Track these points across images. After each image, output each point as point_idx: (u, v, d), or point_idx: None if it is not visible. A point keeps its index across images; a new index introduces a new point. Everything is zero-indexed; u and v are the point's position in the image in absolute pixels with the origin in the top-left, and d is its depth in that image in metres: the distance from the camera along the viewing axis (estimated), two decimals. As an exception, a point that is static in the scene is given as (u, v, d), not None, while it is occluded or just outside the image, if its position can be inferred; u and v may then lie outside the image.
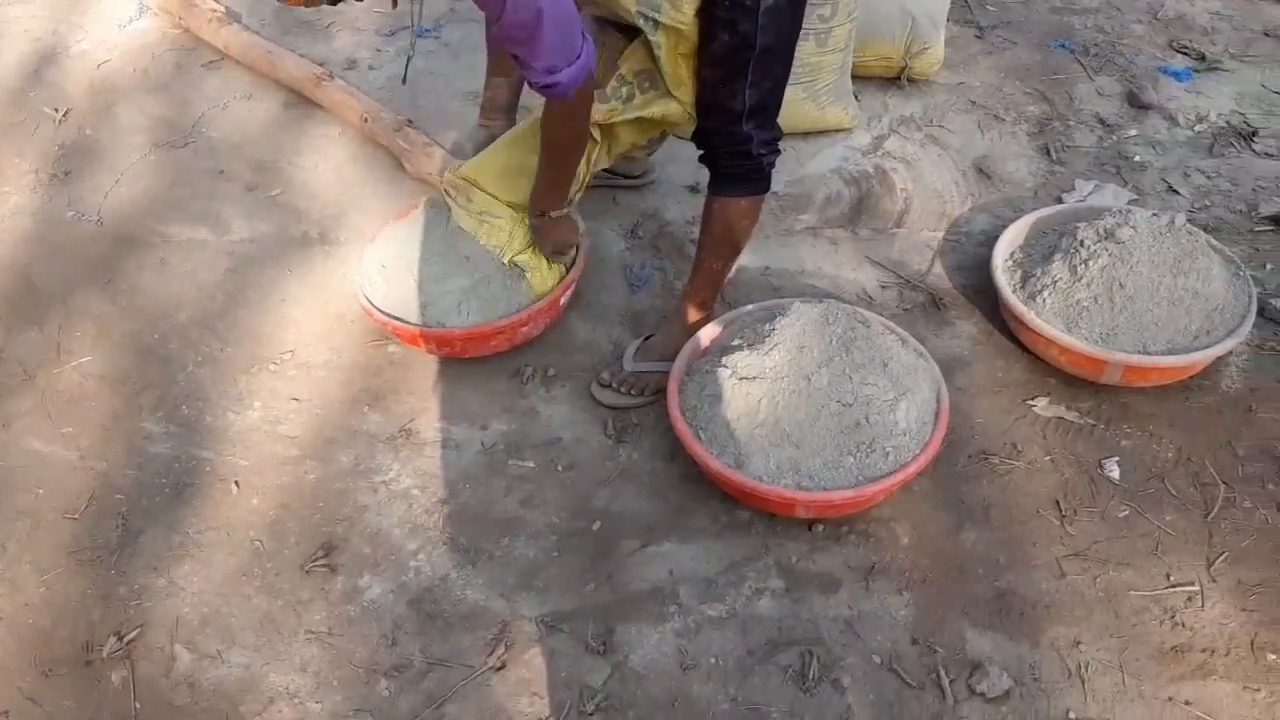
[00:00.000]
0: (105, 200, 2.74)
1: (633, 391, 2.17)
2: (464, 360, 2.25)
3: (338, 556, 1.94)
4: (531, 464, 2.09)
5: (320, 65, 3.03)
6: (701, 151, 2.08)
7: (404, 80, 2.25)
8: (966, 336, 2.31)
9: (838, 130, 2.82)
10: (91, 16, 3.42)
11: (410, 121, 2.78)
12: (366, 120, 2.80)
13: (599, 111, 2.02)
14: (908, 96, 2.99)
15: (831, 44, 2.64)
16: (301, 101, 3.01)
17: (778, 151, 2.05)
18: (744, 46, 1.85)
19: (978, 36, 3.27)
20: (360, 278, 2.24)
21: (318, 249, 2.58)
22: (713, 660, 1.75)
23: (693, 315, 2.19)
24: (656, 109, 2.04)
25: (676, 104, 2.03)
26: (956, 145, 2.83)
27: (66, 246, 2.61)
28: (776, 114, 2.01)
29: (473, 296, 2.14)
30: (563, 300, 2.25)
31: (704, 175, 2.11)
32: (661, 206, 2.67)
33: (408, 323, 2.14)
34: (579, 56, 1.72)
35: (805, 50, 2.60)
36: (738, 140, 1.99)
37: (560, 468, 2.08)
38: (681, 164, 2.74)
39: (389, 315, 2.16)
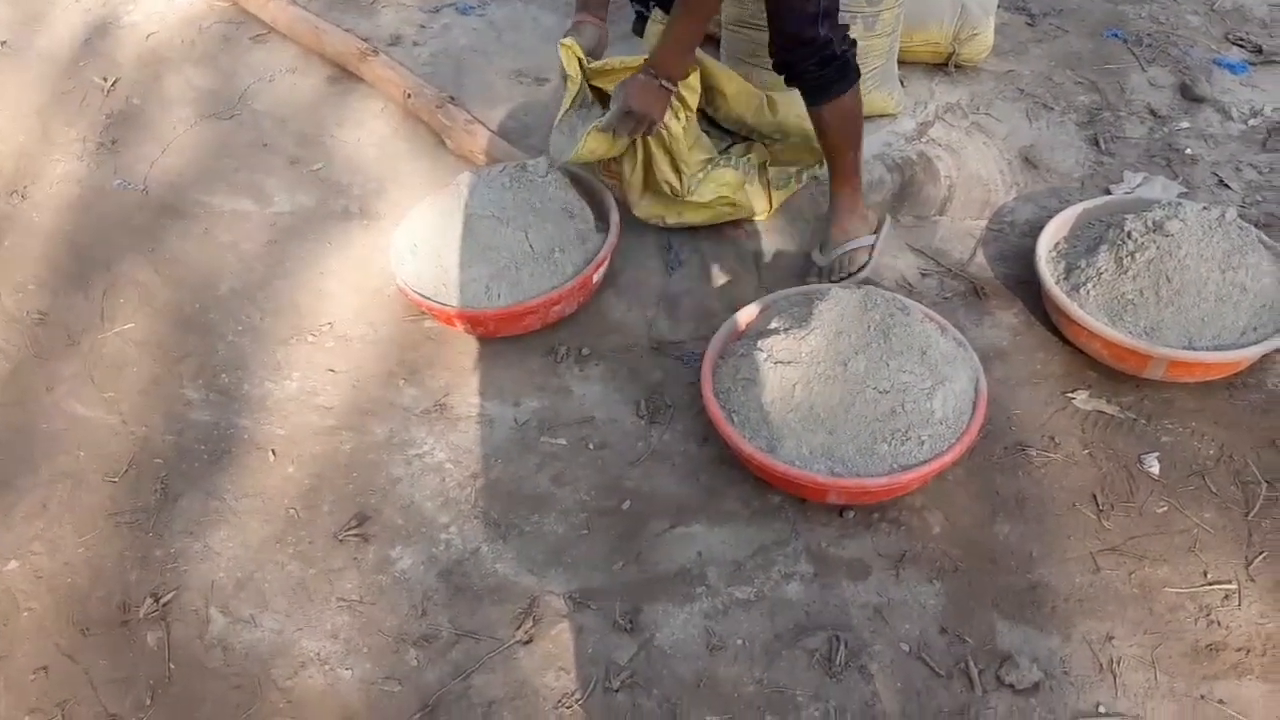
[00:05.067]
0: (151, 170, 2.78)
1: (848, 274, 2.31)
2: (498, 338, 2.26)
3: (370, 527, 1.96)
4: (563, 442, 2.09)
5: (365, 40, 3.05)
6: (787, 75, 2.16)
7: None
8: (1007, 327, 2.28)
9: (882, 116, 2.78)
10: (141, -12, 3.46)
11: (453, 98, 2.79)
12: (409, 96, 2.81)
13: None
14: (955, 83, 2.95)
15: (879, 28, 2.60)
16: (345, 76, 3.03)
17: (854, 41, 2.17)
18: None
19: (1029, 24, 3.21)
20: (394, 256, 2.26)
21: (357, 223, 2.60)
22: (739, 642, 1.75)
23: (849, 202, 2.32)
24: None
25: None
26: (1003, 134, 2.79)
27: (112, 215, 2.65)
28: (838, 11, 2.12)
29: (500, 281, 2.15)
30: (595, 278, 2.25)
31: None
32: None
33: (442, 303, 2.15)
34: None
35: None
36: (820, 46, 2.08)
37: (592, 446, 2.08)
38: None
39: (423, 296, 2.17)
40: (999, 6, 3.03)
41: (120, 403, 2.20)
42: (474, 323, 2.19)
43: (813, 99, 2.18)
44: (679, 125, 2.21)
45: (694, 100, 2.24)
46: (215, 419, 2.15)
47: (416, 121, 2.84)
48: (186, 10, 3.34)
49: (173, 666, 1.77)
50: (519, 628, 1.78)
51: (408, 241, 2.27)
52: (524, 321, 2.20)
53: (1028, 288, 2.32)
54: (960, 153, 2.73)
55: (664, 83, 2.07)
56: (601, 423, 2.13)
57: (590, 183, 2.41)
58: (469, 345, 2.27)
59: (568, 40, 2.20)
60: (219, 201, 2.67)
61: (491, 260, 2.18)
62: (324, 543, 1.94)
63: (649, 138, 2.19)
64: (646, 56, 2.10)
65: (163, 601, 1.86)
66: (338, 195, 2.68)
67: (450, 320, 2.21)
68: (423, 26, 3.24)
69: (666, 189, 2.29)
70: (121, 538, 1.96)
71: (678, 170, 2.27)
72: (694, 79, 2.23)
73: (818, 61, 2.10)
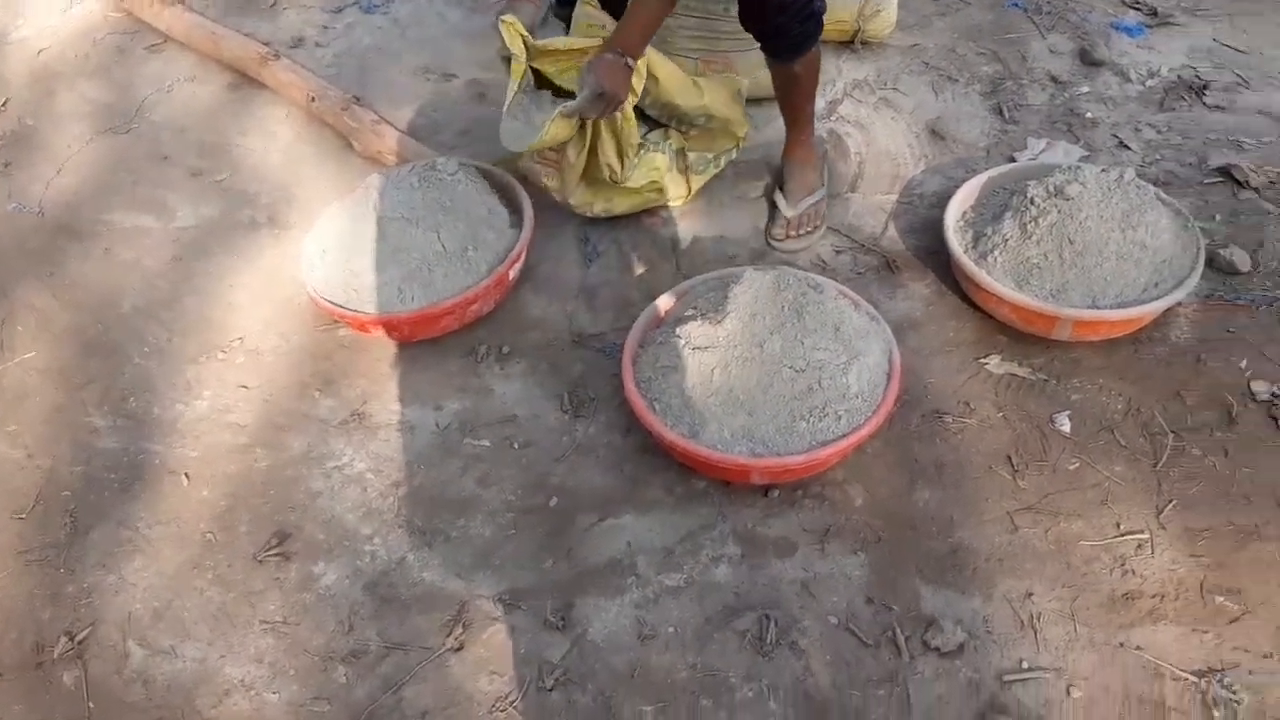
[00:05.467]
0: (46, 191, 2.69)
1: (813, 227, 2.42)
2: (415, 342, 2.23)
3: (291, 544, 1.92)
4: (487, 443, 2.08)
5: (265, 44, 2.99)
6: (767, 30, 2.22)
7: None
8: (920, 298, 2.31)
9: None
10: (30, 2, 3.35)
11: (358, 99, 2.75)
12: (313, 100, 2.76)
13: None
14: (861, 60, 2.97)
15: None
16: (247, 82, 2.96)
17: None
18: None
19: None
20: (304, 264, 2.22)
21: (266, 233, 2.54)
22: (671, 629, 1.76)
23: (808, 153, 2.46)
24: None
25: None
26: (910, 108, 2.82)
27: (6, 239, 2.56)
28: None
29: (413, 283, 2.12)
30: (511, 274, 2.23)
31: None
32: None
33: (354, 310, 2.12)
34: None
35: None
36: (803, 3, 2.15)
37: (516, 445, 2.07)
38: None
39: (334, 303, 2.13)
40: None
41: (23, 435, 2.13)
42: (389, 328, 2.16)
43: (790, 55, 2.25)
44: (629, 107, 2.19)
45: (640, 84, 2.22)
46: (124, 445, 2.10)
47: (322, 125, 2.79)
48: (79, 23, 3.24)
49: (92, 705, 1.72)
50: (449, 635, 1.77)
51: (317, 248, 2.23)
52: (440, 323, 2.18)
53: (938, 258, 2.35)
54: (869, 129, 2.76)
55: (629, 61, 2.05)
56: (525, 421, 2.12)
57: (501, 177, 2.39)
58: (386, 351, 2.24)
59: (509, 17, 2.10)
60: (119, 219, 2.60)
61: (403, 263, 2.15)
62: (243, 565, 1.90)
63: (600, 121, 2.16)
64: (594, 37, 2.12)
65: (78, 639, 1.80)
66: (243, 205, 2.62)
67: (364, 327, 2.18)
68: (325, 27, 3.18)
69: (607, 174, 2.27)
70: (31, 576, 1.90)
71: (621, 155, 2.26)
72: (642, 62, 2.20)
73: (801, 18, 2.17)
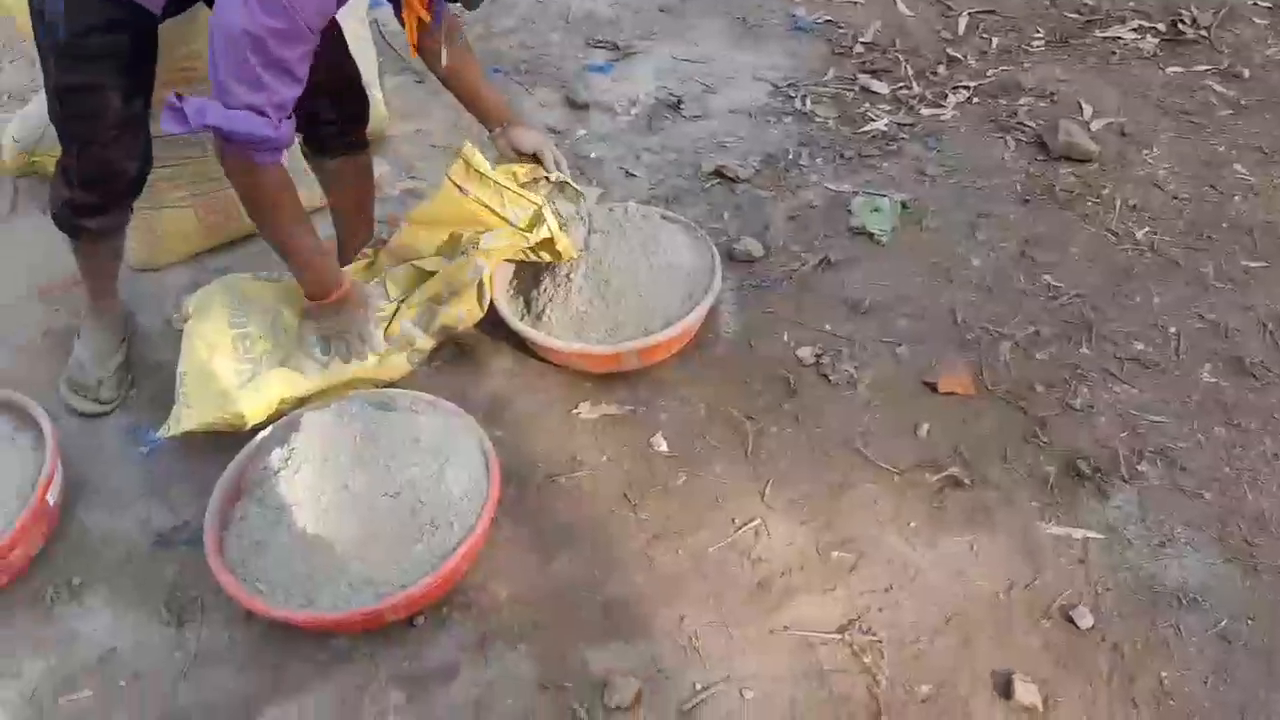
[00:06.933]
0: None
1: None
2: (-38, 614, 1.89)
3: None
4: (88, 692, 1.80)
5: None
6: (338, 128, 2.23)
7: None
8: (502, 372, 2.34)
9: (312, 210, 2.71)
10: None
11: None
12: None
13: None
14: (380, 158, 2.96)
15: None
16: None
17: None
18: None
19: (418, 81, 3.32)
20: None
21: None
22: (354, 811, 1.63)
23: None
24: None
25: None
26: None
27: None
28: None
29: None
30: (50, 499, 1.96)
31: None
32: (150, 350, 2.41)
33: None
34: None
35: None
36: (365, 101, 2.26)
37: (123, 683, 1.82)
38: (159, 298, 2.52)
39: None
40: (383, 74, 3.10)
41: None
42: (-84, 615, 1.81)
43: (355, 150, 2.34)
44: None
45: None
46: None
47: None
48: None
49: None
50: None
51: None
52: (-18, 586, 1.86)
53: (505, 330, 2.39)
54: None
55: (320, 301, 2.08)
56: (125, 651, 1.86)
57: (6, 397, 2.09)
58: (-74, 640, 1.87)
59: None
60: None
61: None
62: None
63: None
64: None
65: None
66: None
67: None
68: None
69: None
70: None
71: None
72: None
73: (362, 116, 2.31)
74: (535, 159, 2.25)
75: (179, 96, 1.65)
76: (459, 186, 2.17)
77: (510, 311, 2.27)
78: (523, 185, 2.20)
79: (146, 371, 2.37)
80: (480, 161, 2.16)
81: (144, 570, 1.98)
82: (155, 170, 2.12)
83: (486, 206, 2.17)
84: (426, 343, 2.23)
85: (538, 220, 2.16)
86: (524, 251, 2.19)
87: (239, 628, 1.88)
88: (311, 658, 1.83)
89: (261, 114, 1.67)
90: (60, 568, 1.98)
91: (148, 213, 2.43)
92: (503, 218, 2.17)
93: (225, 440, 2.07)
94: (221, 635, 1.87)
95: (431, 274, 2.19)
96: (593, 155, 2.98)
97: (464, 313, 2.21)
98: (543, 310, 2.22)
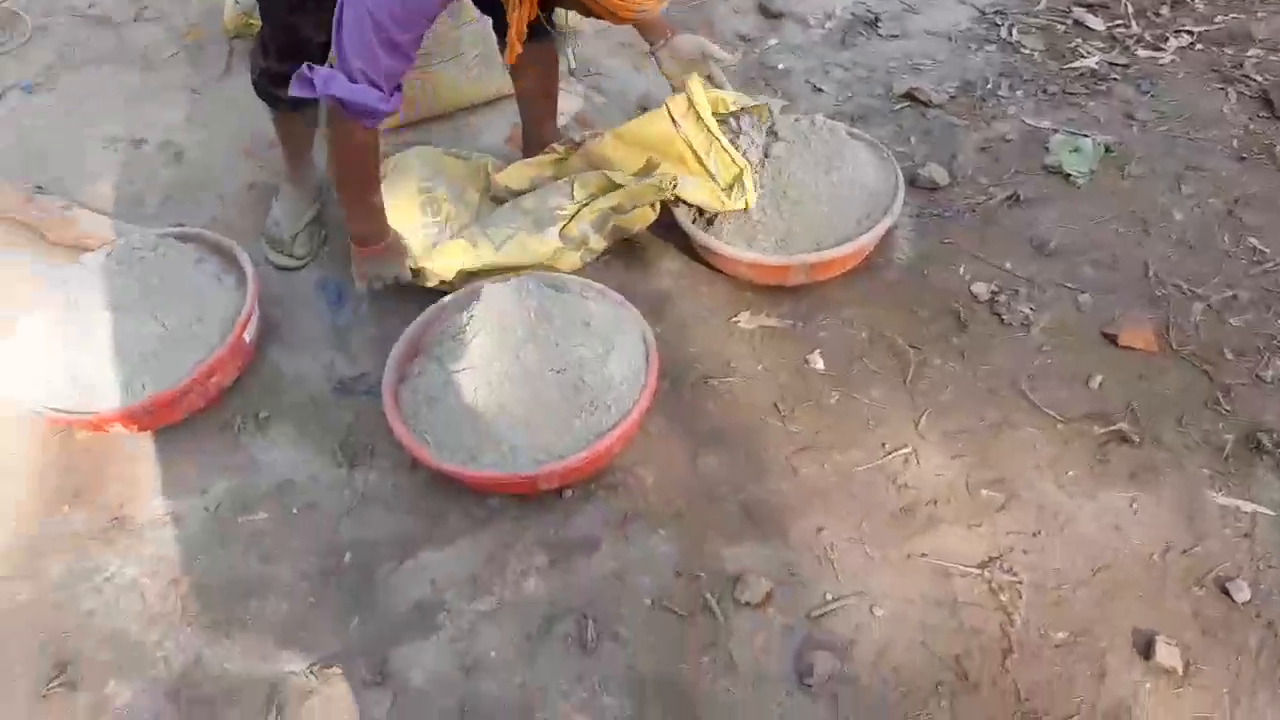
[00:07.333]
0: None
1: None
2: (164, 429, 2.09)
3: (75, 671, 1.77)
4: (264, 516, 1.98)
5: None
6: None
7: None
8: (669, 273, 2.37)
9: (499, 98, 2.79)
10: None
11: (40, 187, 2.52)
12: (-12, 198, 2.52)
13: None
14: (559, 51, 3.00)
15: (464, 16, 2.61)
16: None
17: None
18: None
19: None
20: (11, 376, 2.02)
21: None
22: (493, 654, 1.74)
23: None
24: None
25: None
26: (617, 89, 2.88)
27: None
28: None
29: (141, 371, 1.99)
30: (247, 337, 2.12)
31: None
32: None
33: (83, 413, 1.96)
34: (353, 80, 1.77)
35: (444, 26, 2.57)
36: None
37: (296, 511, 1.98)
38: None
39: (59, 410, 1.97)
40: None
41: None
42: (127, 421, 2.01)
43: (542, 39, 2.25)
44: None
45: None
46: None
47: (8, 224, 2.54)
48: None
49: None
50: (264, 721, 1.68)
51: (24, 356, 2.04)
52: (182, 405, 2.04)
53: (677, 232, 2.41)
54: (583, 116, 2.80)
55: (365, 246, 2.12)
56: (301, 483, 2.03)
57: (213, 239, 2.26)
58: (133, 447, 2.08)
59: None
60: None
61: (125, 351, 2.00)
62: (27, 706, 1.73)
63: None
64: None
65: None
66: (-64, 329, 2.36)
67: (99, 427, 2.01)
68: (-12, 114, 2.90)
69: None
70: None
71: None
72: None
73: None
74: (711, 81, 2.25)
75: (310, 67, 1.80)
76: (675, 120, 2.19)
77: (683, 213, 2.28)
78: (729, 114, 2.22)
79: (339, 231, 2.51)
80: (702, 102, 2.17)
81: (324, 412, 2.13)
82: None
83: (693, 150, 2.19)
84: (599, 243, 2.28)
85: (738, 185, 2.17)
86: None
87: (404, 475, 2.01)
88: (467, 512, 1.94)
89: (377, 87, 1.79)
90: (250, 401, 2.16)
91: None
92: (705, 167, 2.18)
93: (405, 302, 2.19)
94: (387, 481, 2.01)
95: (619, 187, 2.23)
96: (780, 66, 2.93)
97: (639, 219, 2.26)
98: (715, 215, 2.23)
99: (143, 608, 1.85)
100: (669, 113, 2.20)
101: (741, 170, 2.16)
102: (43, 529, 1.97)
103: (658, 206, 2.26)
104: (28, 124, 2.84)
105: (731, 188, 2.18)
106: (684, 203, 2.23)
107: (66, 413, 1.97)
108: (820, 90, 2.84)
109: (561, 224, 2.21)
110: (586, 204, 2.24)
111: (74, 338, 2.01)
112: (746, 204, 2.17)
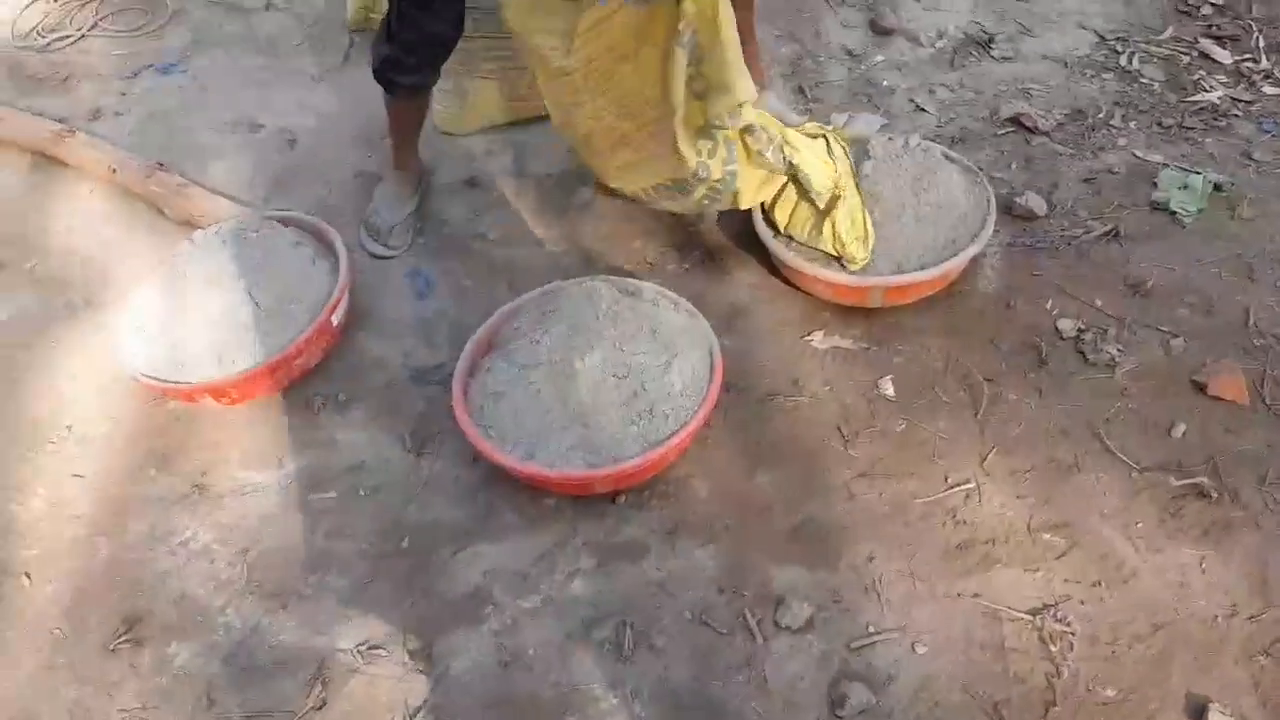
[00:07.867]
0: None
1: None
2: (248, 404, 2.20)
3: (143, 629, 1.88)
4: (334, 494, 2.06)
5: (61, 121, 2.89)
6: None
7: None
8: (745, 285, 2.37)
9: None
10: None
11: (161, 164, 2.68)
12: (115, 171, 2.68)
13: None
14: (667, 57, 3.02)
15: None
16: (46, 163, 2.85)
17: None
18: None
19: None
20: (120, 342, 2.16)
21: (85, 316, 2.46)
22: (531, 651, 1.78)
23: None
24: None
25: None
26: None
27: None
28: None
29: (234, 346, 2.10)
30: (334, 320, 2.21)
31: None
32: (441, 207, 2.64)
33: (177, 382, 2.08)
34: None
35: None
36: None
37: (364, 492, 2.06)
38: (455, 161, 2.73)
39: (157, 378, 2.09)
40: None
41: None
42: (216, 394, 2.12)
43: None
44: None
45: None
46: (-45, 557, 2.02)
47: (130, 196, 2.71)
48: None
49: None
50: (309, 694, 1.75)
51: (132, 325, 2.18)
52: (268, 381, 2.15)
53: (758, 245, 2.41)
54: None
55: None
56: (371, 466, 2.11)
57: (313, 223, 2.37)
58: (219, 418, 2.20)
59: None
60: (-75, 324, 2.49)
61: (220, 326, 2.12)
62: (97, 657, 1.85)
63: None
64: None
65: (-73, 765, 1.74)
66: (58, 291, 2.53)
67: (191, 397, 2.14)
68: (123, 94, 3.08)
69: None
70: None
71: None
72: None
73: None
74: None
75: None
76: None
77: (763, 227, 2.28)
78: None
79: (434, 225, 2.59)
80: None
81: (399, 399, 2.21)
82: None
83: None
84: (719, 169, 2.10)
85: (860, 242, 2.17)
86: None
87: (465, 468, 2.07)
88: (521, 509, 1.99)
89: None
90: (332, 383, 2.25)
91: (460, 78, 2.62)
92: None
93: (486, 296, 2.25)
94: (450, 471, 2.07)
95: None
96: (885, 83, 2.88)
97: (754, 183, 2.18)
98: (793, 231, 2.22)
99: (211, 574, 1.95)
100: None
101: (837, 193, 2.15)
102: (129, 490, 2.10)
103: (747, 198, 2.18)
104: (158, 103, 3.02)
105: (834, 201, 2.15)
106: (800, 172, 2.13)
107: (162, 381, 2.10)
108: (922, 110, 2.79)
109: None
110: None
111: (175, 311, 2.14)
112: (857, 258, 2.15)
